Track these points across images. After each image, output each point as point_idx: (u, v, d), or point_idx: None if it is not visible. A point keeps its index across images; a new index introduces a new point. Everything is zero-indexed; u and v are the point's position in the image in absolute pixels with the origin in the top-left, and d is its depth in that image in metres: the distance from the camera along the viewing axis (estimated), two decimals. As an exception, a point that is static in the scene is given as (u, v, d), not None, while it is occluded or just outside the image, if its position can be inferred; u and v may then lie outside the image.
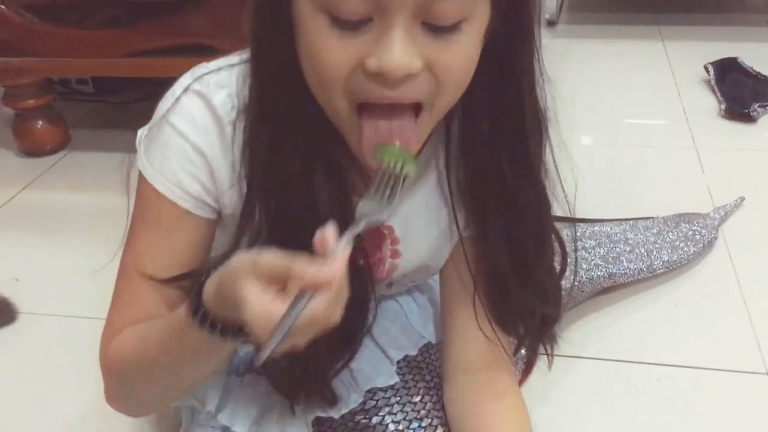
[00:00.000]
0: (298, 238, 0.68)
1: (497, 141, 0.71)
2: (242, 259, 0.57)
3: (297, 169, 0.67)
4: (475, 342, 0.81)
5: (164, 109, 0.72)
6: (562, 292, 1.10)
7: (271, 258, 0.55)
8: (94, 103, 2.03)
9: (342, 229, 0.55)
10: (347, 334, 0.80)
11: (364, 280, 0.75)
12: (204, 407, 0.88)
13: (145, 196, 0.74)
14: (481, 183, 0.74)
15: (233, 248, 0.70)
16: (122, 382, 0.76)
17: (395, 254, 0.80)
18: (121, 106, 1.99)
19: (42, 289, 1.36)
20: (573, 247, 1.16)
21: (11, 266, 1.41)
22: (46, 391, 1.13)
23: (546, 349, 0.87)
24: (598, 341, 1.18)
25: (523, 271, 0.78)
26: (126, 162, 0.77)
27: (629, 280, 1.24)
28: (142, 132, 0.76)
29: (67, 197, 1.65)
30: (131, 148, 0.77)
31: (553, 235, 0.79)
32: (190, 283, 0.71)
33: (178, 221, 0.73)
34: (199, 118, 0.70)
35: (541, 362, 1.13)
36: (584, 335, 1.20)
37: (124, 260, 0.76)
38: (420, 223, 0.79)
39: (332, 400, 0.81)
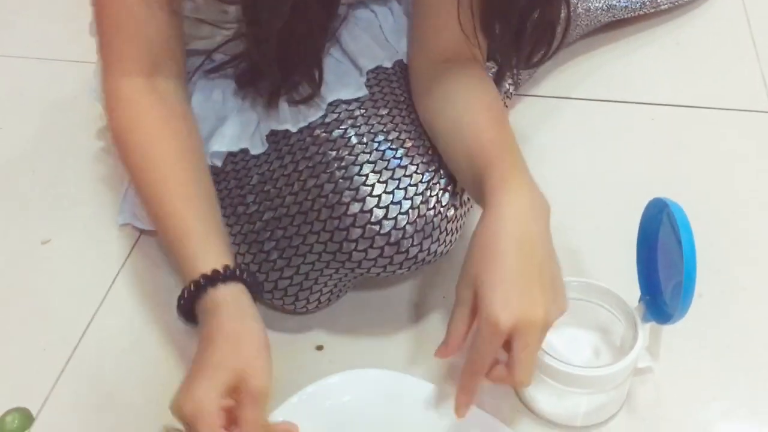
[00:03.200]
0: None
1: None
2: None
3: None
4: (449, 30, 0.70)
5: None
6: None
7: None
8: None
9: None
10: (312, 31, 0.68)
11: None
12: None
13: None
14: None
15: None
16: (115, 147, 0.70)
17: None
18: None
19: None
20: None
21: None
22: None
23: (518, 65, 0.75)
24: (589, 82, 1.08)
25: None
26: None
27: (630, 15, 1.10)
28: None
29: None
30: None
31: None
32: None
33: None
34: None
35: (525, 103, 1.05)
36: (573, 75, 1.09)
37: None
38: None
39: (318, 81, 0.71)
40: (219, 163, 0.75)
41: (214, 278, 0.61)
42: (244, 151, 0.74)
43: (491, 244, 0.59)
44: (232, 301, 0.61)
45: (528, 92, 1.06)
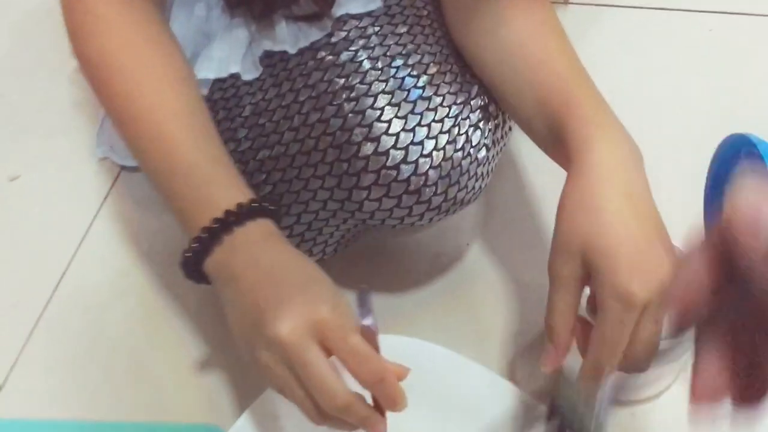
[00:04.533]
0: None
1: None
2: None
3: None
4: None
5: None
6: None
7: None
8: None
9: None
10: None
11: None
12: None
13: None
14: None
15: None
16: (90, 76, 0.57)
17: None
18: None
19: None
20: None
21: None
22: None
23: None
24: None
25: None
26: None
27: None
28: None
29: None
30: None
31: None
32: None
33: None
34: None
35: (558, 12, 0.91)
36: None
37: None
38: None
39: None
40: (205, 92, 0.63)
41: (240, 215, 0.49)
42: (235, 77, 0.62)
43: (597, 203, 0.48)
44: (270, 238, 0.50)
45: (563, -1, 0.92)
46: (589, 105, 0.51)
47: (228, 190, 0.50)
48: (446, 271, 0.68)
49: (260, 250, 0.49)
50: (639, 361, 0.47)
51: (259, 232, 0.50)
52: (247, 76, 0.61)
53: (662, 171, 0.73)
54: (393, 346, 0.57)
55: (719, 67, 0.84)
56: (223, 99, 0.62)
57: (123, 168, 0.75)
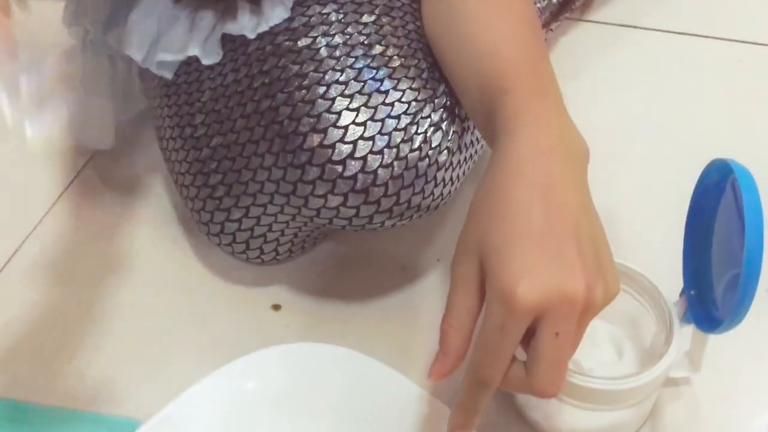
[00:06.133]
0: None
1: None
2: None
3: None
4: None
5: None
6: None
7: None
8: None
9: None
10: None
11: None
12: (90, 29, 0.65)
13: None
14: None
15: None
16: None
17: None
18: None
19: None
20: None
21: None
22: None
23: None
24: (664, 9, 0.88)
25: None
26: None
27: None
28: None
29: None
30: None
31: None
32: None
33: None
34: None
35: (579, 29, 0.86)
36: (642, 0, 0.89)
37: None
38: None
39: None
40: (169, 76, 0.61)
41: None
42: (199, 61, 0.59)
43: (501, 193, 0.42)
44: None
45: (585, 16, 0.87)
46: (525, 93, 0.45)
47: None
48: (409, 286, 0.63)
49: None
50: (541, 380, 0.41)
51: None
52: (207, 60, 0.58)
53: (654, 195, 0.68)
54: (332, 358, 0.54)
55: (742, 100, 0.77)
56: (186, 83, 0.60)
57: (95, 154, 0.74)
